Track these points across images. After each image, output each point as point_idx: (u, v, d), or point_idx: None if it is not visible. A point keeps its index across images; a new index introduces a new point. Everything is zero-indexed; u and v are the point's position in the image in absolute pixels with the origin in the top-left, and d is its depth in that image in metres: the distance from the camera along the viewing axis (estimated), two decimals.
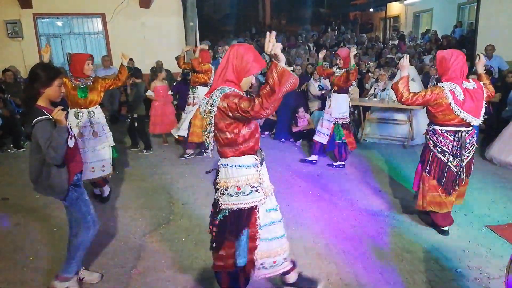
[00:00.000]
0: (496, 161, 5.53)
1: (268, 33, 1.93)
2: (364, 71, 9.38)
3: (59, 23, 10.05)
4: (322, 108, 7.29)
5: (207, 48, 6.43)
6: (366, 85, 8.56)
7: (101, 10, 9.69)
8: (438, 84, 3.45)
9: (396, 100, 6.49)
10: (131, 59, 9.18)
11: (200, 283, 3.03)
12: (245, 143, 2.20)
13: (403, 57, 3.73)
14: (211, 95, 2.18)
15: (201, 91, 6.04)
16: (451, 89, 3.34)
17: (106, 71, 8.85)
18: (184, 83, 7.89)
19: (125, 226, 3.96)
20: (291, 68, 7.09)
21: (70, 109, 4.18)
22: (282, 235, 2.44)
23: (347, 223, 3.94)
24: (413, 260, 3.25)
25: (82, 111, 4.19)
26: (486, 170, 5.37)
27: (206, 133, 2.23)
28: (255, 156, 2.28)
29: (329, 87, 6.02)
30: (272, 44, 1.90)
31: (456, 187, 3.55)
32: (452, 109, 3.33)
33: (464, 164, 3.50)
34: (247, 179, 2.24)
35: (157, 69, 7.40)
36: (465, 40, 11.74)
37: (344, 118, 5.50)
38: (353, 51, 5.43)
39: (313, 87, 7.83)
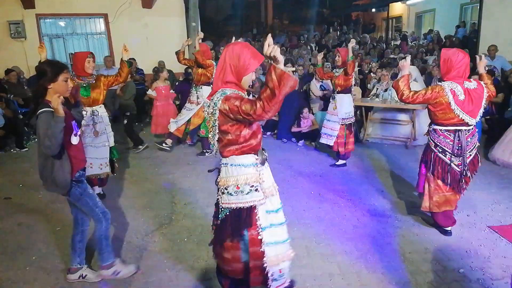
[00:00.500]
0: (499, 162, 5.51)
1: (269, 35, 1.94)
2: (366, 71, 9.38)
3: (62, 23, 10.09)
4: (324, 108, 7.29)
5: (202, 39, 6.30)
6: (368, 85, 8.55)
7: (103, 11, 9.72)
8: (439, 83, 3.45)
9: (398, 100, 6.53)
10: (133, 59, 9.21)
11: (202, 283, 3.03)
12: (245, 143, 2.21)
13: (405, 57, 3.71)
14: (212, 98, 2.19)
15: (205, 90, 6.05)
16: (452, 88, 3.33)
17: (108, 71, 8.84)
18: (186, 83, 7.90)
19: (127, 226, 3.97)
20: (294, 69, 7.08)
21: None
22: (286, 239, 2.38)
23: (349, 223, 3.93)
24: (416, 261, 3.25)
25: (85, 110, 4.18)
26: (489, 170, 5.35)
27: (210, 135, 2.25)
28: (255, 156, 2.27)
29: (331, 88, 6.00)
30: (271, 46, 1.91)
31: (464, 186, 3.54)
32: (452, 108, 3.33)
33: (467, 162, 3.49)
34: (247, 178, 2.24)
35: (159, 69, 7.41)
36: (467, 40, 11.73)
37: (350, 118, 5.51)
38: (352, 42, 5.43)
39: (315, 87, 7.83)
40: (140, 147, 6.66)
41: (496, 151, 5.61)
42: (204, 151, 6.36)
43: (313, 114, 7.56)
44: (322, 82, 7.76)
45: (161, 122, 6.94)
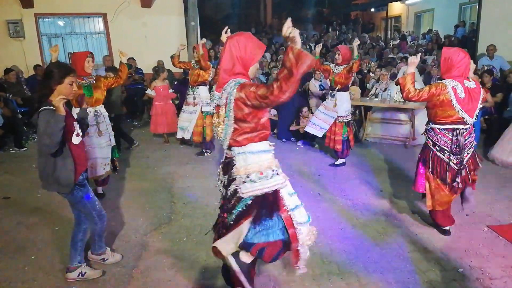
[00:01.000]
0: (499, 161, 5.52)
1: (289, 19, 1.98)
2: (366, 71, 9.38)
3: (61, 23, 10.07)
4: None
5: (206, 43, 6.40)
6: (367, 85, 8.56)
7: (102, 10, 9.70)
8: (442, 81, 3.44)
9: (398, 100, 6.54)
10: (133, 59, 9.21)
11: (201, 283, 3.03)
12: (263, 130, 2.26)
13: (415, 54, 3.69)
14: (224, 89, 2.20)
15: (202, 90, 6.06)
16: (453, 86, 3.35)
17: None
18: (185, 83, 7.89)
19: (126, 225, 3.97)
20: None
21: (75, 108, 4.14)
22: (308, 219, 2.45)
23: (348, 223, 3.93)
24: (415, 260, 3.25)
25: (89, 110, 4.16)
26: (488, 170, 5.36)
27: (220, 128, 2.24)
28: (269, 142, 2.35)
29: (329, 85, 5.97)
30: (290, 28, 1.94)
31: (460, 185, 3.53)
32: (453, 105, 3.34)
33: (465, 161, 3.49)
34: (269, 163, 2.28)
35: (159, 68, 7.40)
36: (466, 40, 11.73)
37: (348, 116, 5.54)
38: (357, 41, 5.48)
39: (314, 86, 7.83)
40: (133, 146, 6.72)
41: (495, 151, 5.62)
42: (204, 151, 6.35)
43: (312, 113, 7.56)
44: (321, 81, 7.76)
45: (160, 122, 6.94)
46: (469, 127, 3.51)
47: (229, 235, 2.31)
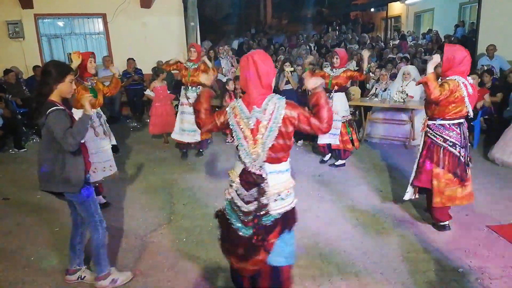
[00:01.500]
0: (499, 161, 5.52)
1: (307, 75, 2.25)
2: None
3: (60, 23, 10.06)
4: None
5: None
6: (367, 85, 8.55)
7: (102, 10, 9.69)
8: (450, 77, 3.44)
9: (397, 100, 6.53)
10: (132, 59, 9.21)
11: (201, 284, 3.03)
12: (289, 150, 2.34)
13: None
14: (267, 104, 2.22)
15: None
16: (463, 82, 3.42)
17: (107, 71, 8.85)
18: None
19: (125, 226, 3.97)
20: (292, 69, 7.08)
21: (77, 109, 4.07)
22: None
23: (348, 223, 3.93)
24: (414, 260, 3.25)
25: (93, 111, 4.12)
26: (487, 170, 5.36)
27: (262, 144, 2.22)
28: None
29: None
30: (313, 82, 2.26)
31: (467, 176, 3.61)
32: (465, 101, 3.42)
33: (468, 153, 3.63)
34: (291, 180, 2.37)
35: (158, 69, 7.39)
36: (466, 40, 11.73)
37: (348, 115, 5.58)
38: (367, 52, 5.50)
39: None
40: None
41: (495, 151, 5.62)
42: (201, 150, 6.35)
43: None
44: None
45: (159, 123, 6.92)
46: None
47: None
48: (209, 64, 5.87)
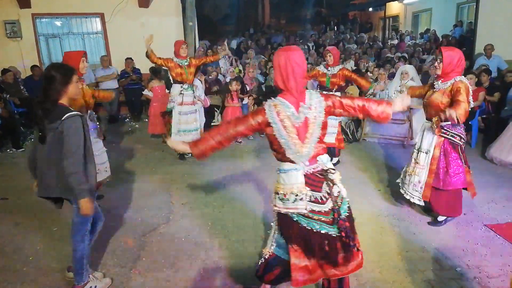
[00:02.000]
0: (497, 160, 5.54)
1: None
2: (364, 71, 9.39)
3: (58, 23, 10.04)
4: None
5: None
6: None
7: (100, 10, 9.67)
8: (459, 80, 3.48)
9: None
10: (130, 59, 9.20)
11: (199, 283, 3.03)
12: None
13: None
14: (310, 99, 2.22)
15: (199, 88, 6.01)
16: (467, 82, 3.51)
17: (105, 71, 8.86)
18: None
19: (124, 226, 3.96)
20: None
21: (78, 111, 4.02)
22: None
23: None
24: (413, 260, 3.26)
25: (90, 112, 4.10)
26: (485, 169, 5.38)
27: (311, 140, 2.22)
28: None
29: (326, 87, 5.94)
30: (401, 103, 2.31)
31: None
32: (470, 100, 3.47)
33: None
34: None
35: (156, 69, 7.39)
36: (464, 40, 11.77)
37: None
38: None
39: (312, 87, 7.83)
40: None
41: (493, 150, 5.63)
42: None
43: None
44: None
45: (158, 122, 6.92)
46: None
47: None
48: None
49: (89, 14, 9.80)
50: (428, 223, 3.87)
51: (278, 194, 2.31)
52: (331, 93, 5.57)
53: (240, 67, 9.70)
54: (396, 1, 16.74)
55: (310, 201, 2.25)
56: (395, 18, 19.03)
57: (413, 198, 3.91)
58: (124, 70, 9.17)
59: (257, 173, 5.21)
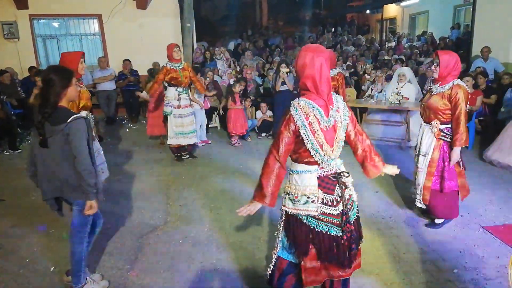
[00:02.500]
0: (495, 162, 5.56)
1: None
2: (361, 73, 9.42)
3: (56, 24, 10.03)
4: None
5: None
6: (363, 86, 8.59)
7: (97, 11, 9.67)
8: (457, 84, 3.51)
9: (393, 102, 6.57)
10: (129, 61, 9.19)
11: (197, 285, 3.02)
12: None
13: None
14: (337, 101, 2.21)
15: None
16: (465, 85, 3.53)
17: (102, 72, 8.85)
18: None
19: (121, 227, 3.95)
20: (288, 70, 7.10)
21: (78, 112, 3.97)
22: None
23: None
24: (410, 261, 3.26)
25: (88, 114, 4.09)
26: (482, 171, 5.40)
27: (339, 142, 2.23)
28: None
29: None
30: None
31: None
32: (468, 101, 3.52)
33: None
34: None
35: (154, 70, 7.38)
36: (461, 42, 11.81)
37: None
38: None
39: None
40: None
41: (490, 152, 5.65)
42: (192, 152, 6.33)
43: None
44: None
45: (156, 124, 6.91)
46: None
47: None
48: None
49: (86, 16, 9.80)
50: (426, 225, 3.88)
51: (288, 194, 2.28)
52: None
53: (238, 69, 9.72)
54: (394, 4, 16.80)
55: (322, 203, 2.23)
56: (393, 20, 19.09)
57: (415, 201, 3.93)
58: (122, 72, 9.16)
59: (256, 175, 5.19)
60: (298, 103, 2.13)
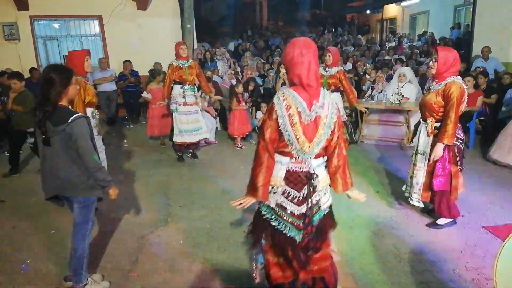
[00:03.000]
0: (497, 162, 5.55)
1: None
2: (361, 73, 9.41)
3: (56, 25, 10.03)
4: None
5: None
6: (364, 86, 8.59)
7: (98, 12, 9.67)
8: (452, 80, 3.48)
9: (393, 102, 6.57)
10: (129, 62, 9.19)
11: (198, 286, 3.02)
12: None
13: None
14: (324, 98, 2.15)
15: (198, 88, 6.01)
16: (463, 83, 3.52)
17: (103, 73, 8.85)
18: None
19: (122, 228, 3.95)
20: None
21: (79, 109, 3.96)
22: None
23: (345, 224, 3.93)
24: (411, 261, 3.26)
25: (94, 110, 4.11)
26: (483, 171, 5.39)
27: (320, 140, 2.16)
28: None
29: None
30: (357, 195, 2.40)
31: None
32: (465, 99, 3.51)
33: None
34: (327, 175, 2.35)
35: (155, 71, 7.38)
36: (461, 42, 11.81)
37: (344, 115, 5.61)
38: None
39: None
40: (10, 174, 5.61)
41: (492, 151, 5.64)
42: (195, 152, 6.33)
43: None
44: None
45: (157, 124, 6.92)
46: None
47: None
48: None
49: (87, 17, 9.79)
50: (427, 225, 3.88)
51: None
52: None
53: (238, 69, 9.72)
54: (394, 4, 16.79)
55: (283, 195, 2.22)
56: (393, 20, 19.08)
57: (412, 200, 3.92)
58: (122, 73, 9.17)
59: None
60: (283, 93, 2.15)
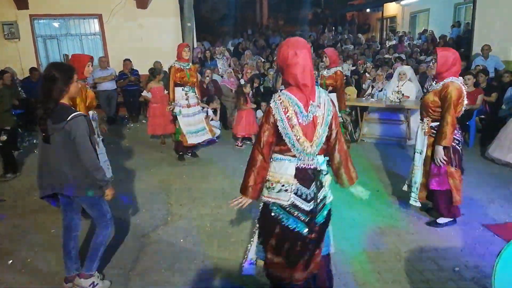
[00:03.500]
0: (496, 160, 5.56)
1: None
2: (362, 72, 9.41)
3: (56, 24, 10.03)
4: None
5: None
6: (364, 85, 8.59)
7: (98, 11, 9.67)
8: (450, 81, 3.49)
9: (393, 100, 6.57)
10: (129, 60, 9.19)
11: (199, 285, 3.03)
12: None
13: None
14: (319, 97, 2.17)
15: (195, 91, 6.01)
16: (461, 83, 3.52)
17: (103, 72, 8.85)
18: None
19: (122, 227, 3.95)
20: None
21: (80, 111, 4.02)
22: None
23: (345, 223, 3.94)
24: (411, 260, 3.26)
25: (94, 112, 4.15)
26: (483, 169, 5.39)
27: (319, 138, 2.18)
28: None
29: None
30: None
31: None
32: (464, 100, 3.51)
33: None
34: None
35: (155, 70, 7.38)
36: (461, 40, 11.80)
37: (340, 116, 5.61)
38: None
39: None
40: (9, 175, 5.46)
41: (492, 150, 5.65)
42: (195, 151, 6.33)
43: None
44: (317, 82, 7.77)
45: (158, 123, 6.91)
46: None
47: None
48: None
49: (87, 15, 9.80)
50: (427, 223, 3.88)
51: (267, 182, 2.28)
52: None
53: (238, 68, 9.70)
54: (394, 2, 16.77)
55: (296, 194, 2.23)
56: (393, 19, 19.06)
57: (410, 199, 3.93)
58: (122, 71, 9.17)
59: None
60: (279, 96, 2.16)
